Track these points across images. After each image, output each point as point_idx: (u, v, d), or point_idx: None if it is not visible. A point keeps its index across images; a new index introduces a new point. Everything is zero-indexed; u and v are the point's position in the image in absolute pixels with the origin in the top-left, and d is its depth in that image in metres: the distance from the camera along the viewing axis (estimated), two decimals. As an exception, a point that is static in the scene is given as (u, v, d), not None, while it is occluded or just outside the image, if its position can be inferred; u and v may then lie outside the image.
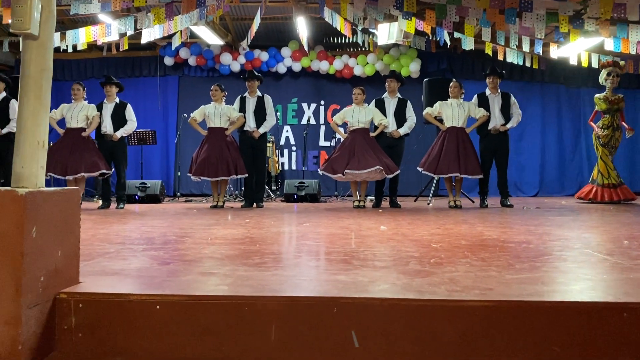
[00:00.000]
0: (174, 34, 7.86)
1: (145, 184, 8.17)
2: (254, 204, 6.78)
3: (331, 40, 10.53)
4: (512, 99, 6.78)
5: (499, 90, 6.77)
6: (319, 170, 6.68)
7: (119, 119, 6.69)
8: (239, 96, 6.89)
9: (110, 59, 10.49)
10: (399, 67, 9.99)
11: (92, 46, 9.36)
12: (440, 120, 6.69)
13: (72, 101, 6.68)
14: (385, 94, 6.84)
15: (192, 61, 10.31)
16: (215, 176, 6.48)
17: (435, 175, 6.55)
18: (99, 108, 6.69)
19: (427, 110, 6.82)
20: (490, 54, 8.11)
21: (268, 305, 1.60)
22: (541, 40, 7.56)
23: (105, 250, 2.61)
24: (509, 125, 6.66)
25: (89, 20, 9.14)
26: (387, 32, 8.16)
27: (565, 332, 1.50)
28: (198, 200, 8.66)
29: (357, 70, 10.13)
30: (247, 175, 6.63)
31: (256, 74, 6.94)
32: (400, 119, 6.69)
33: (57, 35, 7.71)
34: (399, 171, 6.46)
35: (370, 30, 8.29)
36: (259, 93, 6.83)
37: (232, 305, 1.61)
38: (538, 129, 10.34)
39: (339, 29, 7.56)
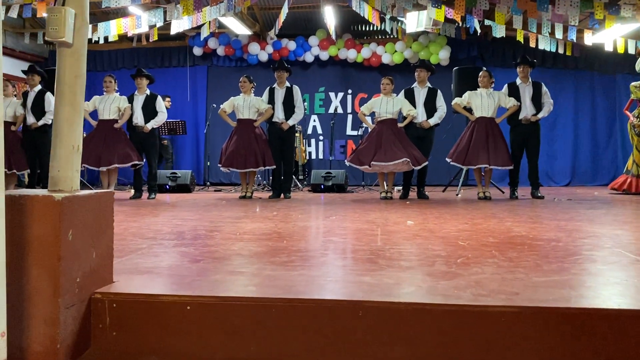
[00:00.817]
0: (203, 24, 7.93)
1: (176, 173, 8.31)
2: (282, 195, 6.84)
3: (359, 28, 10.46)
4: (544, 88, 6.62)
5: (530, 80, 6.62)
6: (345, 161, 6.63)
7: (149, 111, 6.78)
8: (268, 87, 6.91)
9: (140, 50, 10.65)
10: (428, 54, 9.86)
11: (123, 37, 9.50)
12: (470, 110, 6.60)
13: (104, 93, 6.82)
14: (415, 84, 6.72)
15: (220, 51, 10.39)
16: (243, 167, 6.56)
17: (464, 166, 6.48)
18: (130, 100, 6.80)
19: (456, 100, 6.72)
20: (522, 41, 7.93)
21: (294, 308, 1.63)
22: (575, 27, 7.35)
23: (137, 246, 2.68)
24: (540, 115, 6.52)
25: (120, 12, 9.29)
26: (415, 20, 8.06)
27: (592, 341, 1.49)
28: (227, 189, 8.77)
29: (385, 59, 10.05)
30: (275, 166, 6.69)
31: (285, 65, 6.94)
32: (431, 109, 6.57)
33: (90, 27, 7.87)
34: (427, 162, 6.38)
35: (399, 18, 8.20)
36: (287, 84, 6.84)
37: (260, 307, 1.64)
38: (570, 117, 10.11)
39: (366, 17, 7.51)
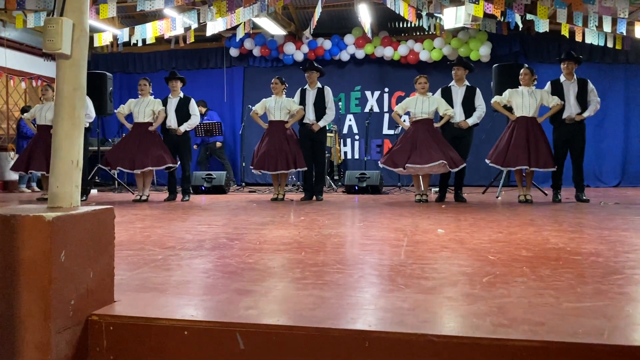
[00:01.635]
0: (238, 25, 7.92)
1: (211, 175, 8.34)
2: (314, 197, 6.73)
3: (396, 25, 10.24)
4: (590, 85, 6.25)
5: (574, 76, 6.27)
6: (379, 163, 6.43)
7: (182, 113, 6.79)
8: (300, 88, 6.82)
9: (178, 52, 10.76)
10: (467, 51, 9.56)
11: (161, 39, 9.62)
12: (510, 109, 6.31)
13: (139, 96, 6.89)
14: (452, 82, 6.48)
15: (256, 52, 10.37)
16: (274, 170, 6.50)
17: (503, 167, 6.20)
18: (164, 103, 6.83)
19: (496, 98, 6.43)
20: (567, 36, 7.55)
21: (295, 337, 1.52)
22: (624, 19, 6.94)
23: (153, 257, 2.63)
24: (585, 115, 6.16)
25: (158, 15, 9.39)
26: (454, 16, 7.81)
27: (625, 385, 1.32)
28: (262, 190, 8.74)
29: (423, 56, 9.80)
30: (306, 168, 6.59)
31: (315, 65, 6.84)
32: (469, 108, 6.32)
33: (127, 30, 7.99)
34: (464, 164, 6.12)
35: (436, 14, 7.96)
36: (319, 85, 6.74)
37: (260, 334, 1.54)
38: (621, 114, 9.59)
39: (402, 14, 7.32)
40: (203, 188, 8.28)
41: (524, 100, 6.12)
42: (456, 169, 6.06)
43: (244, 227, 3.87)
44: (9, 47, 9.11)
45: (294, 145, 6.56)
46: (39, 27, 8.85)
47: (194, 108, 6.87)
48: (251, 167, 6.70)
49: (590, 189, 8.73)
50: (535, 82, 6.34)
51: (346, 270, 2.33)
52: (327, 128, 9.84)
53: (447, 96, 6.36)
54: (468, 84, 6.45)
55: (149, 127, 6.66)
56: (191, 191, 7.09)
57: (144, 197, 6.69)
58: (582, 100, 6.19)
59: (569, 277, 2.17)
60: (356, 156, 10.36)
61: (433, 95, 6.37)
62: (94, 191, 8.38)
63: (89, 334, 1.64)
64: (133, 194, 8.33)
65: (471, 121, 6.30)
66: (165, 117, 6.77)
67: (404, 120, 6.76)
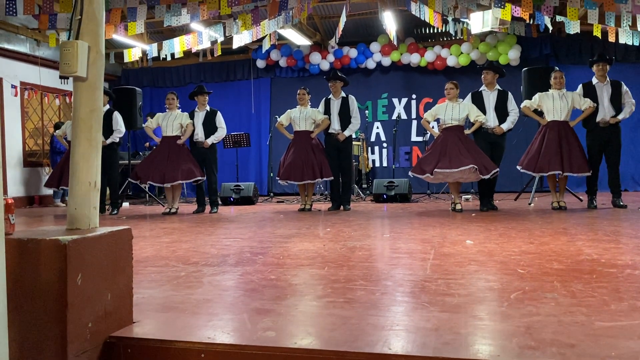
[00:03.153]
0: (264, 37, 7.98)
1: (240, 186, 8.38)
2: (341, 206, 6.68)
3: (422, 31, 10.15)
4: (624, 87, 6.03)
5: (607, 78, 6.07)
6: (409, 173, 6.24)
7: (209, 126, 6.85)
8: (324, 98, 6.80)
9: (206, 65, 10.90)
10: (496, 55, 9.39)
11: (189, 53, 9.76)
12: (540, 114, 6.15)
13: (166, 110, 6.98)
14: (483, 87, 6.23)
15: (282, 62, 10.43)
16: (300, 180, 6.45)
17: (535, 174, 6.02)
18: (191, 116, 6.90)
19: (525, 103, 6.27)
20: (600, 36, 7.33)
21: (312, 360, 1.48)
22: (660, 17, 6.70)
23: (176, 274, 2.63)
24: (620, 117, 5.94)
25: (185, 29, 9.53)
26: (481, 20, 7.68)
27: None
28: (290, 200, 8.74)
29: (451, 61, 9.67)
30: (332, 177, 6.54)
31: (339, 74, 6.80)
32: (502, 113, 6.05)
33: (155, 45, 8.14)
34: (497, 170, 5.83)
35: (462, 19, 7.85)
36: (343, 94, 6.71)
37: (276, 357, 1.51)
38: (659, 115, 9.24)
39: (427, 20, 7.24)
40: (232, 199, 8.33)
41: (555, 104, 5.95)
42: (488, 176, 5.75)
43: (269, 241, 3.85)
44: (43, 65, 9.38)
45: (320, 154, 6.53)
46: (72, 45, 9.11)
47: (221, 121, 6.94)
48: (277, 177, 6.70)
49: (628, 194, 8.44)
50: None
51: (369, 286, 2.27)
52: (355, 136, 9.85)
53: (478, 101, 6.12)
54: (500, 88, 6.22)
55: (177, 141, 6.71)
56: (219, 202, 7.10)
57: (173, 210, 6.76)
58: (616, 102, 5.99)
59: (603, 292, 2.07)
60: (384, 164, 10.27)
61: (463, 101, 6.20)
62: (125, 204, 8.52)
63: (107, 356, 1.64)
64: (163, 206, 8.44)
65: (505, 126, 6.04)
66: (193, 131, 6.84)
67: (433, 127, 6.58)
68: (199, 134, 6.83)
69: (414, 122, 10.13)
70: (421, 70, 10.00)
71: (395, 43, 9.28)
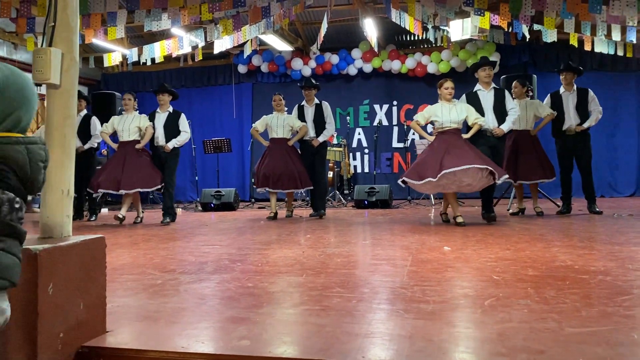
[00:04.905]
0: (245, 42, 7.97)
1: (220, 192, 8.35)
2: (319, 212, 6.56)
3: (403, 38, 10.25)
4: (590, 94, 6.15)
5: (574, 87, 6.18)
6: (399, 181, 5.39)
7: (172, 129, 6.33)
8: (297, 105, 6.73)
9: (187, 69, 10.86)
10: (476, 62, 9.50)
11: (170, 58, 9.72)
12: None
13: (122, 113, 6.50)
14: (478, 86, 5.65)
15: (264, 68, 10.43)
16: (282, 188, 6.29)
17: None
18: (152, 118, 6.39)
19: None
20: (576, 45, 7.48)
21: (286, 369, 1.48)
22: (634, 27, 6.86)
23: (152, 282, 2.61)
24: (585, 125, 6.04)
25: (165, 34, 9.48)
26: (460, 28, 7.80)
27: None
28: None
29: (431, 68, 9.77)
30: (312, 187, 6.46)
31: (313, 82, 6.69)
32: (501, 113, 5.50)
33: (135, 50, 8.08)
34: (506, 175, 5.15)
35: (442, 27, 7.94)
36: (316, 100, 6.65)
37: (250, 367, 1.51)
38: (634, 123, 9.46)
39: (408, 28, 7.31)
40: (212, 205, 8.29)
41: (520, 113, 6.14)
42: (500, 180, 5.07)
43: (248, 247, 3.84)
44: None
45: (298, 163, 6.41)
46: (50, 49, 9.01)
47: (185, 124, 6.44)
48: (255, 186, 6.51)
49: (604, 199, 8.60)
50: (531, 93, 6.37)
51: (345, 294, 2.28)
52: (336, 142, 9.89)
53: (475, 102, 5.51)
54: (496, 86, 5.72)
55: (136, 145, 6.20)
56: (176, 212, 6.51)
57: (137, 220, 6.31)
58: (583, 110, 6.09)
59: (574, 298, 2.10)
60: (366, 170, 10.32)
61: (458, 101, 5.56)
62: (104, 210, 8.42)
63: (79, 366, 1.62)
64: (142, 211, 8.35)
65: (506, 127, 5.46)
66: (154, 134, 6.32)
67: (429, 133, 5.72)
68: (159, 137, 6.30)
69: (395, 128, 10.21)
70: (402, 77, 10.09)
71: (376, 50, 9.34)
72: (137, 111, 6.50)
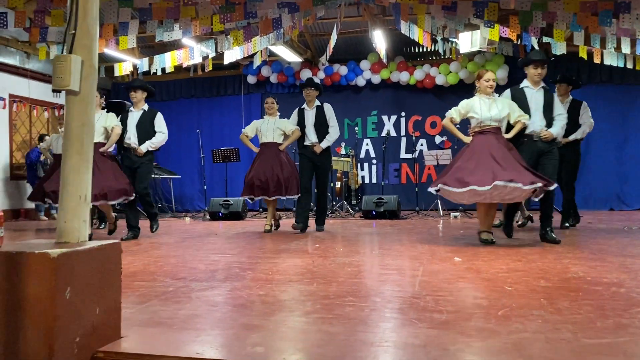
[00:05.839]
0: (255, 53, 8.03)
1: (229, 201, 8.36)
2: (311, 226, 5.98)
3: (411, 50, 10.28)
4: (584, 106, 6.08)
5: (569, 98, 6.11)
6: (431, 189, 4.49)
7: (146, 130, 5.50)
8: (297, 108, 6.15)
9: (197, 79, 10.93)
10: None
11: (180, 68, 9.79)
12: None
13: None
14: (525, 83, 4.83)
15: (273, 78, 10.48)
16: (267, 195, 5.71)
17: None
18: (123, 117, 5.65)
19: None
20: (585, 58, 7.47)
21: (301, 376, 1.48)
22: (644, 40, 6.86)
23: (164, 289, 2.61)
24: (571, 138, 5.86)
25: (176, 44, 9.57)
26: (469, 40, 7.84)
27: None
28: (279, 215, 8.71)
29: (440, 80, 9.79)
30: (298, 195, 5.84)
31: (313, 81, 6.14)
32: (549, 116, 4.71)
33: (146, 60, 8.16)
34: (556, 185, 4.32)
35: (451, 39, 7.98)
36: (318, 103, 6.03)
37: (265, 373, 1.51)
38: (644, 135, 9.41)
39: (417, 40, 7.34)
40: (220, 214, 8.31)
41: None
42: (552, 187, 4.25)
43: (257, 256, 3.84)
44: (32, 78, 9.34)
45: (287, 169, 5.81)
46: (62, 59, 9.11)
47: (161, 124, 5.59)
48: (241, 195, 6.00)
49: (614, 212, 8.55)
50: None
51: (358, 302, 2.28)
52: (345, 152, 9.90)
53: (520, 100, 4.69)
54: (545, 85, 4.91)
55: (100, 149, 5.23)
56: (157, 223, 5.81)
57: (112, 228, 5.75)
58: (575, 122, 5.86)
59: (589, 309, 2.09)
60: (374, 180, 10.31)
61: (499, 96, 4.75)
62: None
63: (94, 371, 1.62)
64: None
65: (555, 131, 4.64)
66: (124, 134, 5.47)
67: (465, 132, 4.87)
68: (132, 139, 5.44)
69: (403, 139, 10.21)
70: (410, 89, 10.11)
71: (385, 61, 9.38)
72: (105, 109, 5.69)
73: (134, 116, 5.59)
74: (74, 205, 1.75)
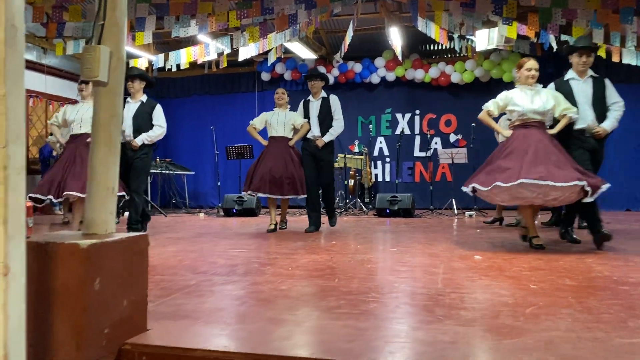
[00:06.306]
0: (270, 50, 8.02)
1: (242, 197, 8.37)
2: (321, 225, 5.70)
3: (427, 47, 10.22)
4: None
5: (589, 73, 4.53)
6: (467, 190, 4.00)
7: (143, 122, 5.13)
8: (302, 100, 5.88)
9: (211, 76, 10.94)
10: (500, 72, 9.45)
11: (195, 64, 9.81)
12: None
13: (79, 101, 5.25)
14: (571, 74, 4.35)
15: (287, 76, 10.48)
16: (279, 193, 5.42)
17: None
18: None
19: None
20: (604, 56, 7.38)
21: (332, 371, 1.46)
22: (665, 38, 6.76)
23: (186, 283, 2.61)
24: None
25: (191, 41, 9.59)
26: (486, 38, 7.76)
27: None
28: (292, 213, 8.71)
29: (455, 78, 9.72)
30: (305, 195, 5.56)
31: (319, 72, 5.85)
32: (602, 108, 4.23)
33: (162, 56, 8.18)
34: (607, 185, 3.79)
35: (468, 36, 7.91)
36: (323, 94, 5.69)
37: (294, 368, 1.49)
38: (662, 136, 9.27)
39: (433, 37, 7.29)
40: (234, 210, 8.32)
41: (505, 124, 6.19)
42: (595, 195, 3.76)
43: (275, 252, 3.83)
44: (49, 73, 9.42)
45: (299, 167, 5.55)
46: (78, 54, 9.16)
47: (160, 116, 5.24)
48: (244, 191, 5.67)
49: (631, 213, 8.44)
50: None
51: (382, 299, 2.25)
52: (358, 150, 9.87)
53: (565, 94, 4.20)
54: (594, 74, 4.39)
55: (87, 139, 4.75)
56: (149, 214, 5.39)
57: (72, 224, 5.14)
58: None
59: (618, 309, 2.05)
60: (387, 178, 10.28)
61: (543, 88, 4.21)
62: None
63: (122, 363, 1.62)
64: (166, 216, 8.42)
65: (609, 126, 4.19)
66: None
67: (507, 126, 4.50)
68: (127, 131, 5.10)
69: (418, 138, 10.15)
70: (425, 86, 10.05)
71: (400, 59, 9.34)
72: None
73: (130, 107, 5.23)
74: (102, 196, 1.74)
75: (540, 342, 1.63)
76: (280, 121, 5.65)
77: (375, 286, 2.52)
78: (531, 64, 4.15)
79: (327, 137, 5.53)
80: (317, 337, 1.71)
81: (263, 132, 5.84)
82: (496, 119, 4.67)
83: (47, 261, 1.50)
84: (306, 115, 5.69)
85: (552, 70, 9.59)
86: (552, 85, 4.34)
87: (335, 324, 1.86)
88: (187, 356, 1.59)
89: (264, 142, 5.71)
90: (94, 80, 1.72)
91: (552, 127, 4.14)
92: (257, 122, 5.76)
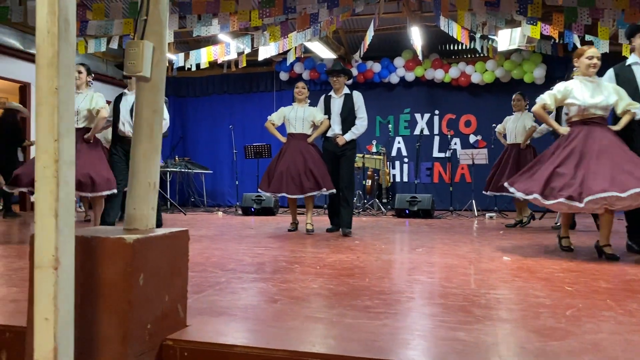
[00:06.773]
0: (289, 50, 8.03)
1: (261, 196, 8.38)
2: (340, 229, 5.28)
3: (447, 47, 10.15)
4: None
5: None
6: (519, 194, 3.63)
7: None
8: (323, 95, 5.63)
9: (230, 76, 10.98)
10: (521, 73, 9.36)
11: (214, 64, 9.85)
12: (505, 137, 6.52)
13: (76, 92, 4.76)
14: (634, 58, 3.90)
15: (306, 75, 10.47)
16: (300, 192, 5.14)
17: (490, 192, 6.31)
18: (117, 100, 5.10)
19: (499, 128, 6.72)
20: (628, 56, 7.26)
21: (378, 370, 1.44)
22: (692, 39, 6.63)
23: (216, 280, 2.61)
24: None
25: (211, 40, 9.62)
26: (508, 38, 7.68)
27: None
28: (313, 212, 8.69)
29: (475, 78, 9.64)
30: (334, 190, 5.21)
31: (342, 66, 5.62)
32: None
33: (182, 55, 8.22)
34: None
35: (490, 36, 7.84)
36: (346, 90, 5.45)
37: (339, 366, 1.47)
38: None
39: (455, 37, 7.24)
40: (253, 209, 8.33)
41: (510, 125, 6.42)
42: None
43: (300, 250, 3.82)
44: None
45: (320, 163, 5.23)
46: (99, 53, 9.23)
47: (163, 110, 4.92)
48: (260, 190, 5.42)
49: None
50: (527, 107, 6.42)
51: (416, 298, 2.23)
52: (376, 150, 9.83)
53: (626, 81, 3.79)
54: None
55: (84, 136, 4.63)
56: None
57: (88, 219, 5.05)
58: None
59: (662, 312, 2.01)
60: (405, 179, 10.23)
61: (601, 79, 3.77)
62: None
63: (163, 359, 1.61)
64: (185, 214, 8.46)
65: None
66: (117, 121, 5.00)
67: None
68: (125, 125, 4.96)
69: (437, 138, 10.09)
70: (445, 87, 9.99)
71: (420, 58, 9.29)
72: (92, 89, 4.90)
73: (128, 100, 4.97)
74: (144, 192, 1.74)
75: (588, 344, 1.60)
76: (299, 117, 5.40)
77: (408, 286, 2.50)
78: (592, 51, 3.69)
79: (349, 136, 5.27)
80: (356, 335, 1.69)
81: (282, 129, 5.63)
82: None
83: (92, 255, 1.51)
84: (327, 111, 5.43)
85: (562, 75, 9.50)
86: (610, 71, 3.91)
87: (373, 324, 1.84)
88: (228, 352, 1.58)
89: (283, 139, 5.48)
90: (138, 75, 1.72)
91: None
92: (275, 118, 5.54)
